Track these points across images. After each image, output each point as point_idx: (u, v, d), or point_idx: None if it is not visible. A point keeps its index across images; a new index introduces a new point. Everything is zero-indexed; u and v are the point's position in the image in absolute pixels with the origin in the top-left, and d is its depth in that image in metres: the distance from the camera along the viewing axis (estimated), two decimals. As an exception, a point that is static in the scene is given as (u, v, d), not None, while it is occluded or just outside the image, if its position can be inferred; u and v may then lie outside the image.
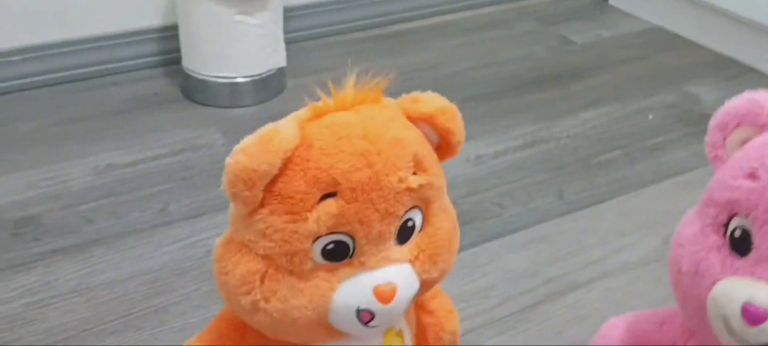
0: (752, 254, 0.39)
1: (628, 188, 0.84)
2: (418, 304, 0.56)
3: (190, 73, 1.06)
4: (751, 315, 0.38)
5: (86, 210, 0.82)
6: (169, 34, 1.13)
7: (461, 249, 0.73)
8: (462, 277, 0.71)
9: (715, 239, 0.41)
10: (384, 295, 0.43)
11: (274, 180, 0.41)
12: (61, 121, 1.01)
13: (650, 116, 0.99)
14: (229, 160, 0.40)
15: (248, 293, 0.42)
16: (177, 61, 1.09)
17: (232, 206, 0.43)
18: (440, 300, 0.57)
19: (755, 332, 0.38)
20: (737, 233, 0.40)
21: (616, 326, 0.53)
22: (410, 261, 0.45)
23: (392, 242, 0.44)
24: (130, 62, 1.14)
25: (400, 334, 0.50)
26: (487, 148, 0.94)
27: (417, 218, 0.45)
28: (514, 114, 1.02)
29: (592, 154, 0.92)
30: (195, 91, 1.06)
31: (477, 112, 1.03)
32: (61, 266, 0.73)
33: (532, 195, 0.84)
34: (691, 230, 0.43)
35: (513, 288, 0.70)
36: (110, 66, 1.13)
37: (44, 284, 0.71)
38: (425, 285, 0.46)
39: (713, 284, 0.40)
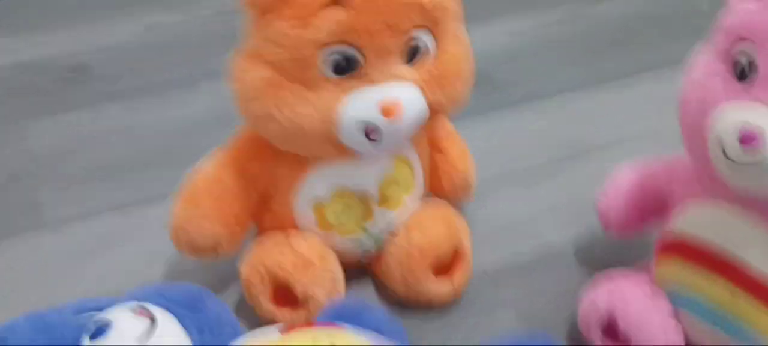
0: (753, 78, 0.39)
1: (665, 64, 0.81)
2: (431, 144, 0.57)
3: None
4: (744, 135, 0.38)
5: (133, 61, 0.86)
6: None
7: (485, 111, 0.76)
8: (483, 135, 0.72)
9: (720, 66, 0.41)
10: (388, 109, 0.44)
11: (282, -15, 0.42)
12: None
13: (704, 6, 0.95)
14: (241, -37, 0.42)
15: (258, 98, 0.45)
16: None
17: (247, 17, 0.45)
18: (453, 141, 0.58)
19: (746, 152, 0.38)
20: (741, 59, 0.40)
21: (626, 169, 0.53)
22: (418, 82, 0.46)
23: (399, 58, 0.45)
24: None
25: (409, 163, 0.52)
26: (526, 22, 0.93)
27: (428, 40, 0.46)
28: (559, -8, 1.00)
29: (633, 32, 0.90)
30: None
31: (520, -11, 1.01)
32: (108, 108, 0.78)
33: (565, 67, 0.84)
34: (700, 60, 0.43)
35: (534, 147, 0.70)
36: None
37: (92, 123, 0.76)
38: (434, 109, 0.47)
39: (713, 109, 0.41)
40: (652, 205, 0.51)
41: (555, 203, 0.64)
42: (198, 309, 0.39)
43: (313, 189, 0.50)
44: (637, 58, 0.86)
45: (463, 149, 0.59)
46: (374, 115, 0.44)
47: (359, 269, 0.56)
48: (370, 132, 0.45)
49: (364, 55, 0.43)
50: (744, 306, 0.42)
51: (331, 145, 0.46)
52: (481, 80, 0.79)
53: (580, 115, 0.76)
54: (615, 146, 0.71)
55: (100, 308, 0.38)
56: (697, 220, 0.45)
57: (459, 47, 0.47)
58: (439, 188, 0.59)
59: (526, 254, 0.59)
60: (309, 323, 0.46)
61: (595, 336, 0.48)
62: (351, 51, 0.43)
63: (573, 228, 0.61)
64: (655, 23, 0.93)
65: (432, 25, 0.45)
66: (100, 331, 0.36)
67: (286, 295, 0.50)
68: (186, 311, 0.39)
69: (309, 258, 0.50)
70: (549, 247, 0.60)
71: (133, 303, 0.38)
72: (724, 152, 0.39)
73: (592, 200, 0.55)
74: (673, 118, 0.44)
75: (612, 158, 0.68)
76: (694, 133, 0.42)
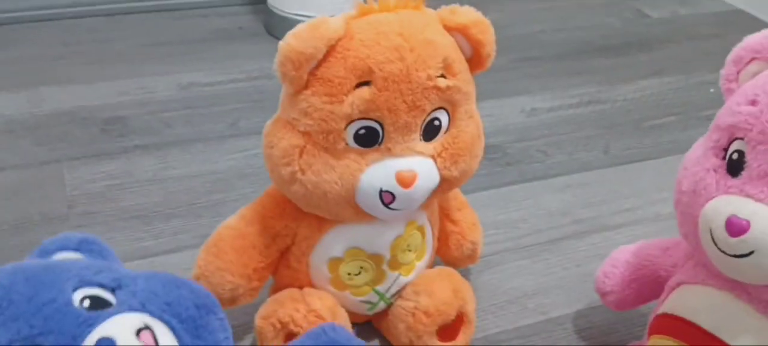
0: (744, 174, 0.42)
1: (675, 151, 0.85)
2: (443, 213, 0.60)
3: (274, 10, 1.13)
4: (733, 227, 0.41)
5: (167, 117, 0.91)
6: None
7: (500, 186, 0.79)
8: (496, 208, 0.75)
9: (714, 161, 0.44)
10: (405, 179, 0.48)
11: (318, 65, 0.46)
12: (152, 43, 1.11)
13: (712, 90, 0.99)
14: (281, 43, 0.46)
15: (288, 164, 0.49)
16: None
17: (282, 89, 0.49)
18: (465, 213, 0.61)
19: (735, 243, 0.41)
20: (734, 156, 0.43)
21: (624, 251, 0.56)
22: (433, 156, 0.50)
23: (418, 135, 0.49)
24: (219, -3, 1.24)
25: (421, 229, 0.55)
26: (543, 103, 0.97)
27: (443, 118, 0.49)
28: (575, 76, 1.05)
29: (645, 118, 0.94)
30: (276, 28, 1.14)
31: (538, 70, 1.06)
32: (140, 159, 0.82)
33: (578, 147, 0.87)
34: (696, 153, 0.46)
35: (543, 223, 0.73)
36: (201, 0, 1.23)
37: (125, 172, 0.80)
38: (445, 182, 0.51)
39: (707, 201, 0.44)
40: (648, 285, 0.54)
41: (561, 277, 0.67)
42: (200, 336, 0.38)
43: (329, 248, 0.53)
44: (652, 143, 0.89)
45: (474, 220, 0.62)
46: (392, 184, 0.48)
47: (367, 324, 0.59)
48: (386, 198, 0.48)
49: (385, 130, 0.47)
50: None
51: (351, 209, 0.50)
52: (496, 155, 0.84)
53: (593, 194, 0.79)
54: (626, 227, 0.74)
55: (108, 283, 0.37)
56: (689, 302, 0.48)
57: (472, 126, 0.51)
58: (447, 254, 0.62)
59: (528, 325, 0.61)
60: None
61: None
62: (375, 125, 0.47)
63: (576, 303, 0.63)
64: (671, 110, 0.97)
65: (449, 105, 0.49)
66: None
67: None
68: (188, 336, 0.38)
69: (321, 315, 0.53)
70: (551, 319, 0.62)
71: (139, 319, 0.36)
72: (714, 242, 0.42)
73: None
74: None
75: (621, 239, 0.71)
76: (688, 221, 0.45)
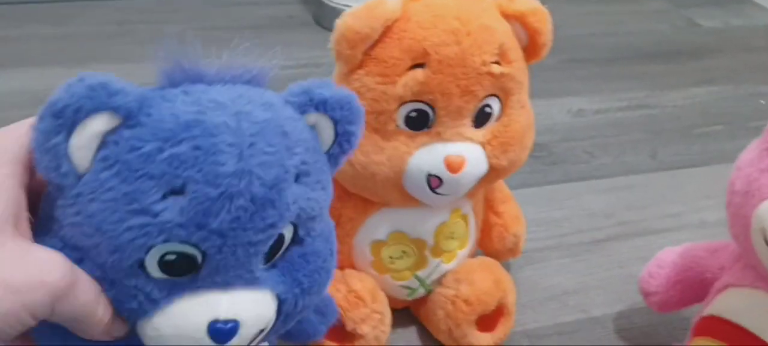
0: (801, 176, 0.42)
1: (722, 159, 0.83)
2: (487, 204, 0.60)
3: (324, 1, 1.15)
4: (787, 228, 0.40)
5: (216, 98, 0.92)
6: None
7: (544, 184, 0.79)
8: (539, 206, 0.75)
9: (769, 162, 0.44)
10: (453, 164, 0.48)
11: (373, 45, 0.47)
12: (203, 27, 1.13)
13: (762, 102, 0.97)
14: (338, 21, 0.47)
15: (338, 143, 0.49)
16: (313, -11, 1.19)
17: (335, 67, 0.50)
18: (509, 206, 0.61)
19: (788, 244, 0.40)
20: (791, 157, 0.43)
21: (671, 252, 0.55)
22: (482, 144, 0.50)
23: (469, 121, 0.49)
24: (271, -15, 1.25)
25: (465, 218, 0.56)
26: (590, 105, 0.96)
27: (495, 105, 0.50)
28: (624, 80, 1.04)
29: (694, 125, 0.93)
30: (326, 18, 1.15)
31: (588, 72, 1.05)
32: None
33: (624, 150, 0.86)
34: (750, 155, 0.46)
35: (586, 223, 0.73)
36: (254, -14, 1.25)
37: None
38: (493, 171, 0.51)
39: (760, 202, 0.43)
40: (693, 287, 0.53)
41: (603, 277, 0.66)
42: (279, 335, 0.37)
43: (373, 230, 0.54)
44: (699, 150, 0.88)
45: (517, 213, 0.62)
46: (440, 168, 0.48)
47: (405, 310, 0.59)
48: (433, 183, 0.49)
49: (437, 114, 0.48)
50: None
51: (397, 192, 0.50)
52: (542, 154, 0.84)
53: (636, 197, 0.78)
54: (670, 232, 0.73)
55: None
56: (736, 304, 0.47)
57: (523, 116, 0.51)
58: (489, 245, 0.62)
59: (567, 322, 0.61)
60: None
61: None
62: (426, 108, 0.47)
63: (618, 304, 0.63)
64: (720, 119, 0.95)
65: (501, 93, 0.49)
66: (224, 334, 0.31)
67: (336, 329, 0.53)
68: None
69: (361, 296, 0.53)
70: (592, 318, 0.62)
71: (267, 316, 0.33)
72: (766, 243, 0.42)
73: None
74: (724, 212, 0.46)
75: (665, 243, 0.69)
76: (739, 222, 0.45)
